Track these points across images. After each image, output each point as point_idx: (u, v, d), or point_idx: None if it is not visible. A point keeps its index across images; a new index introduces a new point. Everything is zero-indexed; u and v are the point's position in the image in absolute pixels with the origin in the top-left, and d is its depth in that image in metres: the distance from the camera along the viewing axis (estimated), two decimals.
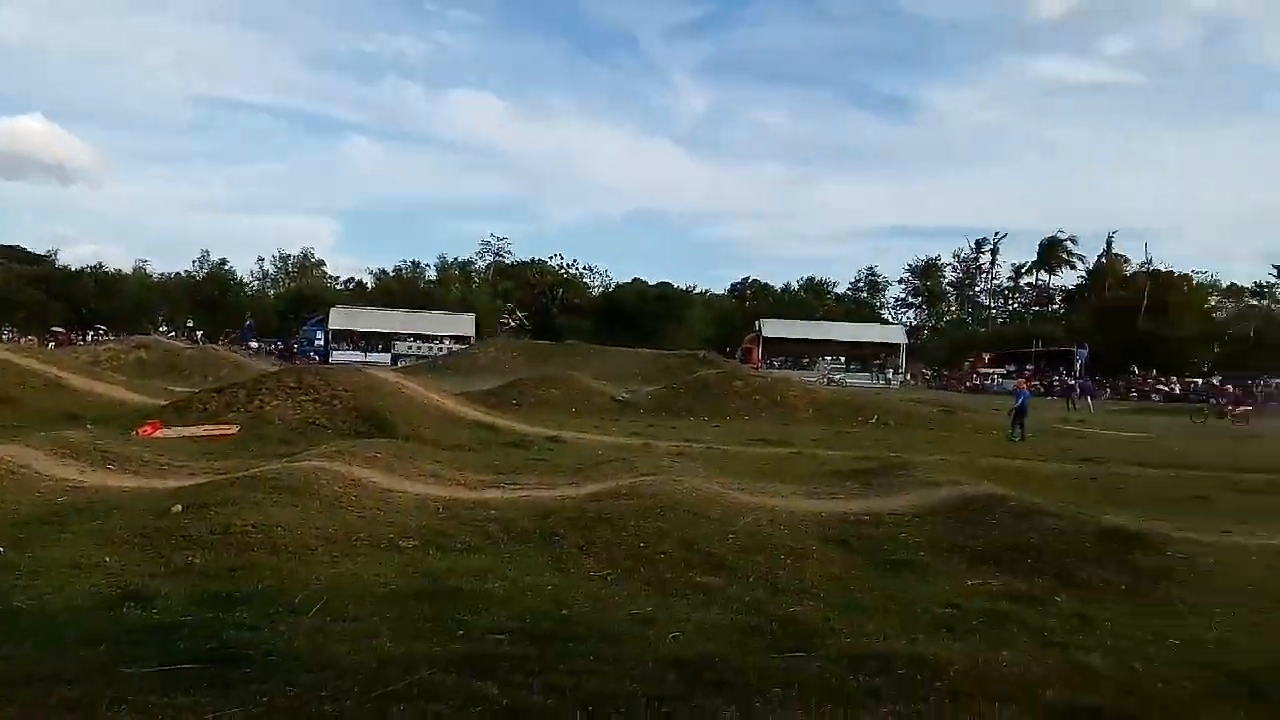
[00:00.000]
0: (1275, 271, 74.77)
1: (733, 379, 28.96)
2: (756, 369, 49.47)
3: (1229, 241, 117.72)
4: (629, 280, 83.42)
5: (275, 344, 64.54)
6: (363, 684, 4.49)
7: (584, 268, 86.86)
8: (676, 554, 7.13)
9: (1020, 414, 22.52)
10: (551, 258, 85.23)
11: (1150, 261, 73.78)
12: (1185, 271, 73.92)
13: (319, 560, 6.94)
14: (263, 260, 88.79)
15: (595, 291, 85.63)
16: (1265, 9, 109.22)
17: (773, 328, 67.38)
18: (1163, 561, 7.38)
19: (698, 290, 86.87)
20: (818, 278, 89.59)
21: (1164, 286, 70.75)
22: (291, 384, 17.28)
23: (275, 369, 23.53)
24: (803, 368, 61.18)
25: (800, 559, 7.25)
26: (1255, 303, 76.93)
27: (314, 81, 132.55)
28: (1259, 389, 57.45)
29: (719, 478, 11.16)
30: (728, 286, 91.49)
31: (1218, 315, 75.35)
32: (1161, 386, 57.94)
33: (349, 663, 4.79)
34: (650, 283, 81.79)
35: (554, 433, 18.06)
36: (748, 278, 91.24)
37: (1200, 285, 74.74)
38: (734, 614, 5.97)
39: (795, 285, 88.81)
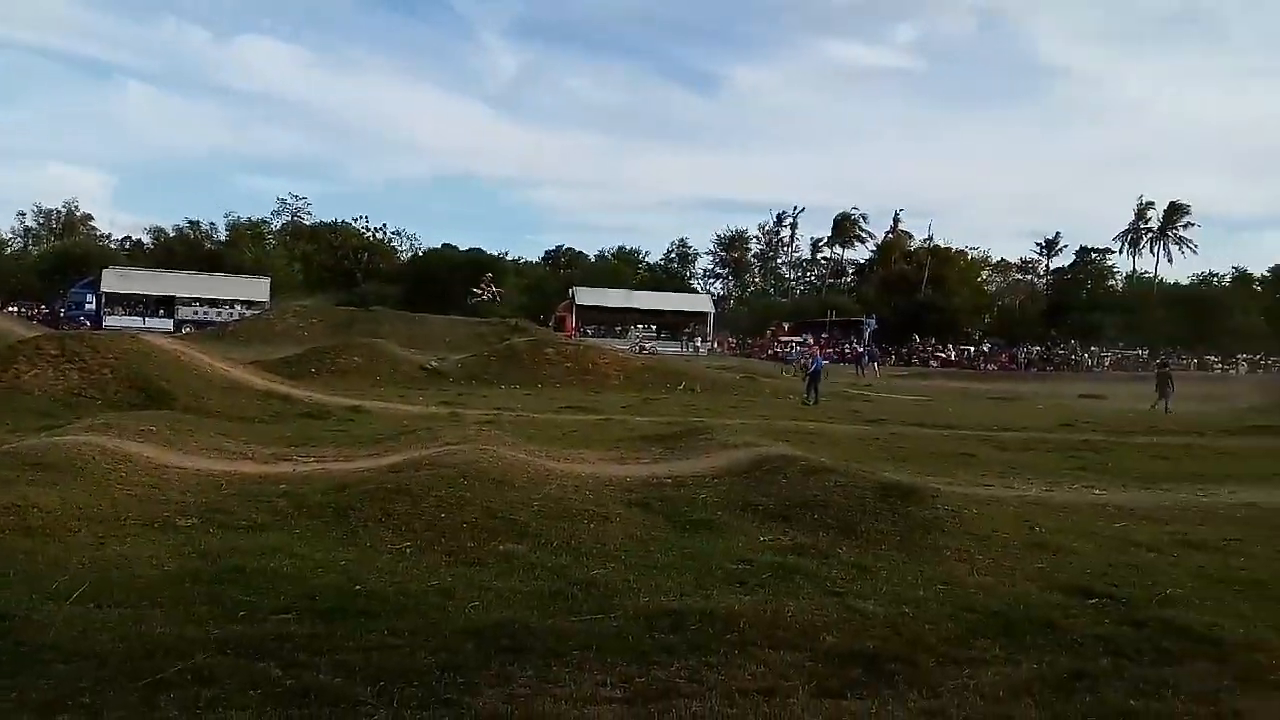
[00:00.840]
0: (1037, 248, 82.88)
1: (545, 347, 28.96)
2: (570, 337, 49.66)
3: (999, 220, 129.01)
4: (439, 245, 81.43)
5: (38, 308, 58.29)
6: (128, 672, 4.15)
7: (391, 231, 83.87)
8: (479, 523, 7.04)
9: (814, 379, 23.85)
10: (356, 220, 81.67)
11: (931, 238, 79.89)
12: (961, 247, 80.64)
13: (82, 542, 6.35)
14: (23, 215, 79.85)
15: (403, 256, 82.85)
16: (1030, 6, 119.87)
17: (586, 296, 67.81)
18: (933, 513, 7.98)
19: (510, 257, 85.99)
20: (630, 247, 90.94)
21: (942, 261, 76.93)
22: (53, 351, 15.67)
23: (34, 334, 21.24)
24: (615, 336, 61.96)
25: (603, 523, 7.34)
26: (1020, 277, 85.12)
27: (83, 19, 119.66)
28: (1022, 354, 63.77)
29: (527, 446, 11.11)
30: (541, 254, 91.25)
31: (988, 288, 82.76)
32: (940, 353, 63.11)
33: (113, 651, 4.42)
34: (461, 248, 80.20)
35: (355, 402, 17.40)
36: (561, 245, 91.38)
37: (974, 260, 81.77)
38: (536, 580, 5.96)
39: (609, 254, 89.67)
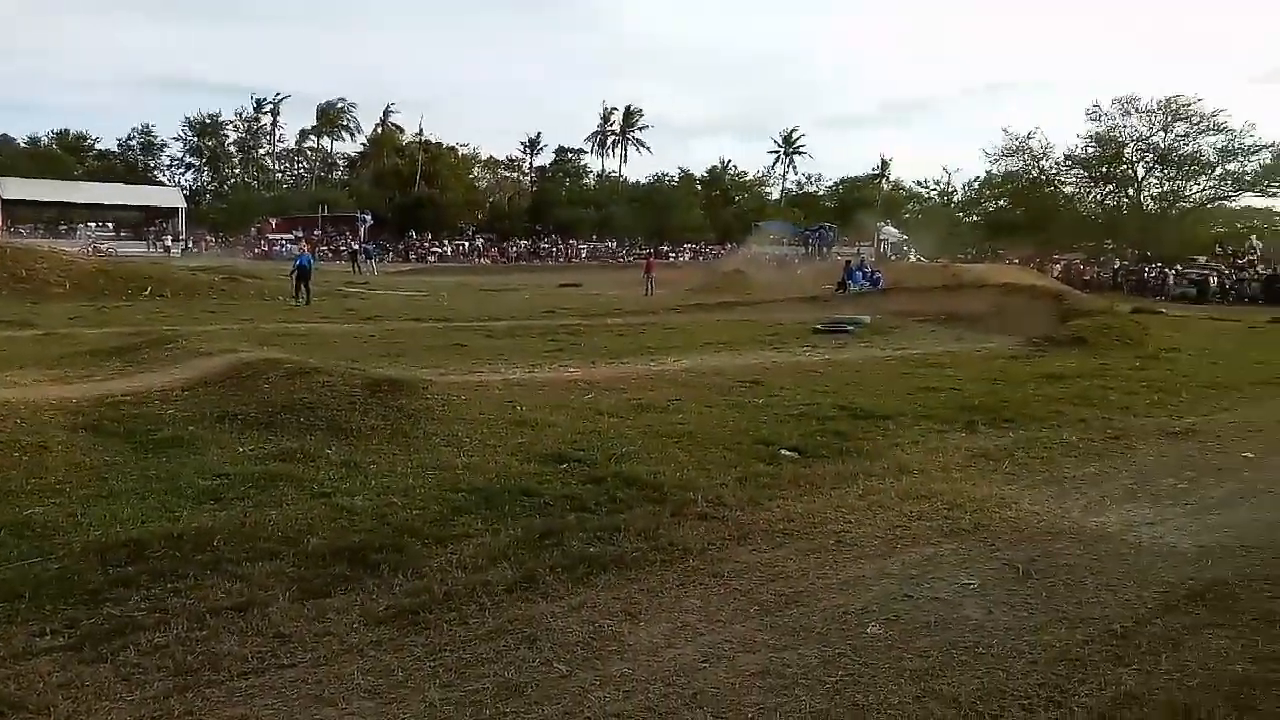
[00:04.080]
0: (521, 147, 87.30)
1: None
2: None
3: (487, 118, 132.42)
4: None
5: None
6: None
7: None
8: None
9: (302, 278, 22.74)
10: None
11: (422, 133, 79.67)
12: (452, 144, 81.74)
13: None
14: None
15: None
16: None
17: (15, 188, 56.03)
18: (424, 403, 8.14)
19: None
20: (75, 131, 76.57)
21: (435, 157, 77.43)
22: None
23: None
24: (60, 235, 52.46)
25: (40, 453, 6.23)
26: (507, 174, 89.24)
27: None
28: (511, 248, 67.57)
29: None
30: None
31: (480, 184, 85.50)
32: (436, 249, 64.27)
33: None
34: None
35: None
36: None
37: (465, 157, 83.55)
38: None
39: (46, 139, 74.57)
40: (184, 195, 68.56)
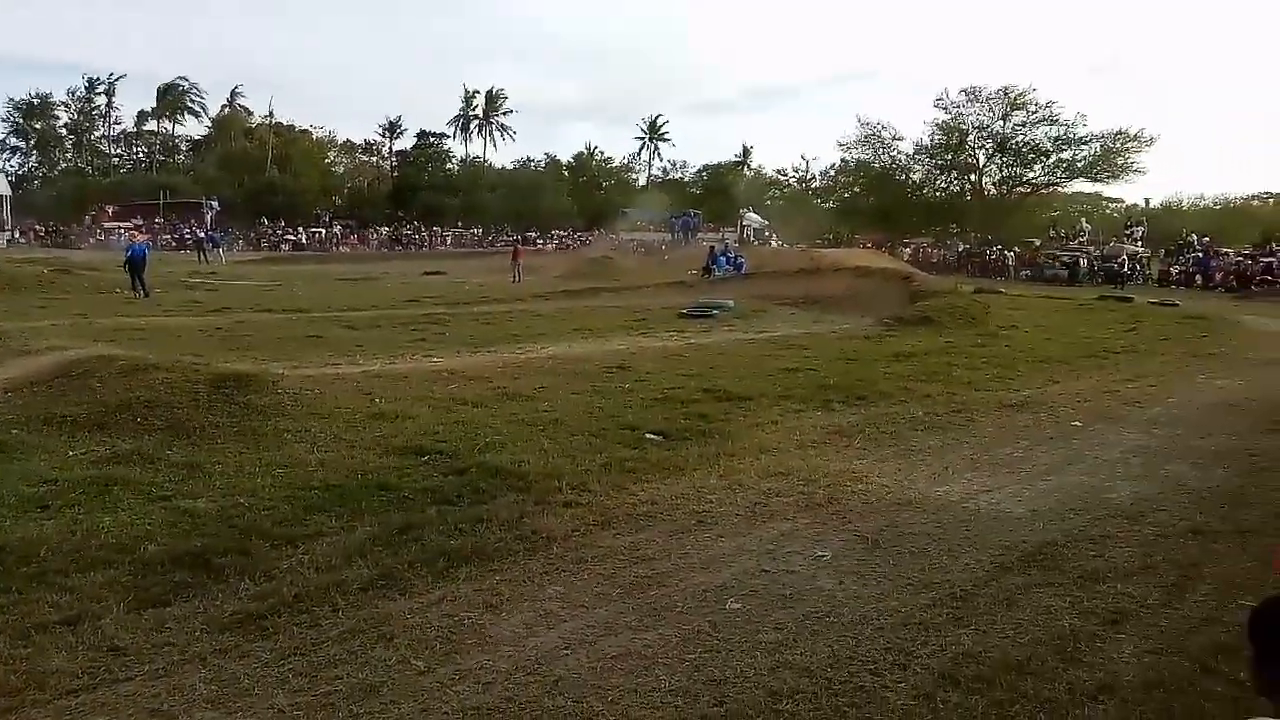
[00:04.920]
0: (380, 130, 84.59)
1: None
2: None
3: (342, 101, 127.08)
4: None
5: None
6: None
7: None
8: None
9: (136, 270, 21.36)
10: None
11: (273, 115, 76.09)
12: (305, 127, 78.40)
13: None
14: None
15: None
16: None
17: None
18: (274, 399, 7.79)
19: None
20: None
21: (287, 141, 74.13)
22: None
23: None
24: None
25: None
26: (365, 159, 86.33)
27: None
28: (372, 236, 65.49)
29: None
30: None
31: (336, 169, 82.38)
32: (290, 237, 61.63)
33: None
34: None
35: None
36: None
37: (320, 140, 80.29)
38: None
39: None
40: (8, 181, 63.12)
